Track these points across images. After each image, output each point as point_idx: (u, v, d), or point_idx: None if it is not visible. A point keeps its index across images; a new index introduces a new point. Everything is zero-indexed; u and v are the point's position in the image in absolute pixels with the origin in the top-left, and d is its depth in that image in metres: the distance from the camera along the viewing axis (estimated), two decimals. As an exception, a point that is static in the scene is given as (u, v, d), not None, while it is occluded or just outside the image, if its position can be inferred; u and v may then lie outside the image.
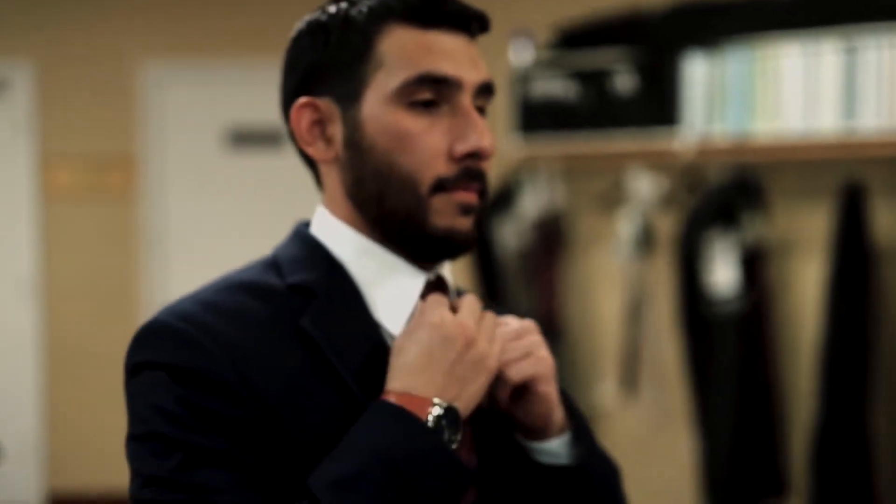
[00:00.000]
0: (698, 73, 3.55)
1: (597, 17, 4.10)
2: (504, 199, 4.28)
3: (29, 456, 5.81)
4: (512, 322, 1.26)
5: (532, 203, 4.22)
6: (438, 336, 1.16)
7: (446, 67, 1.19)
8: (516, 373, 1.22)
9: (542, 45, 4.26)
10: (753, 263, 3.46)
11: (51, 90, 5.85)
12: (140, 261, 5.91)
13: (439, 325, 1.17)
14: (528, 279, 4.24)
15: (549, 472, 1.26)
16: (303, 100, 1.23)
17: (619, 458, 1.42)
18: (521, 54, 4.24)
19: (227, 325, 1.16)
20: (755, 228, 3.46)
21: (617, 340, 3.97)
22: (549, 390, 1.23)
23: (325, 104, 1.23)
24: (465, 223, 1.21)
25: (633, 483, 1.42)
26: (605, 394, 4.08)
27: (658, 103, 3.73)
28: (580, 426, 1.30)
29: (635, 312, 3.92)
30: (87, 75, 5.86)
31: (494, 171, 3.53)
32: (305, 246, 1.26)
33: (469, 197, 1.21)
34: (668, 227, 3.81)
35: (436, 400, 1.13)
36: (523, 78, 4.21)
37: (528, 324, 1.26)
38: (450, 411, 1.13)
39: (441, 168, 1.19)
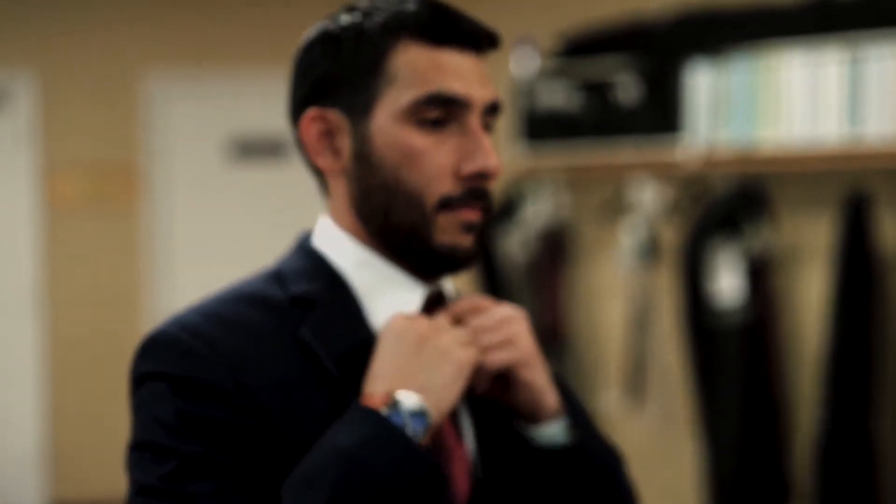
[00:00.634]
0: (702, 81, 3.54)
1: (600, 26, 4.09)
2: (508, 209, 4.28)
3: (33, 464, 5.81)
4: (495, 310, 1.27)
5: (536, 213, 4.22)
6: (392, 337, 1.19)
7: (456, 87, 1.20)
8: (494, 360, 1.24)
9: (545, 55, 4.25)
10: (758, 273, 3.45)
11: (54, 100, 5.85)
12: (143, 270, 5.91)
13: (391, 328, 1.20)
14: (532, 289, 4.23)
15: (546, 455, 1.27)
16: (312, 111, 1.24)
17: (624, 467, 1.41)
18: (524, 64, 4.24)
19: (229, 336, 1.18)
20: (759, 238, 3.45)
21: (621, 349, 3.96)
22: (533, 377, 1.26)
23: (335, 116, 1.23)
24: (466, 240, 1.23)
25: (638, 490, 1.42)
26: (609, 402, 4.07)
27: (662, 112, 3.72)
28: (577, 412, 1.32)
29: (640, 322, 3.92)
30: (90, 85, 5.86)
31: (498, 182, 3.53)
32: (308, 258, 1.27)
33: (472, 215, 1.23)
34: (672, 236, 3.80)
35: (395, 393, 1.15)
36: (527, 88, 4.20)
37: (512, 312, 1.28)
38: (410, 402, 1.14)
39: (447, 186, 1.21)
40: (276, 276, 1.26)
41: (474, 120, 1.22)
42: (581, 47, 4.12)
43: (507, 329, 1.26)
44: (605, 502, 1.30)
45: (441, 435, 1.22)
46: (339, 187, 1.26)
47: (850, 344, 3.16)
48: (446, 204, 1.21)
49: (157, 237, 5.92)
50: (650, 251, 3.87)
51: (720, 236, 3.49)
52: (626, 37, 3.94)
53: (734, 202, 3.50)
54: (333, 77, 1.23)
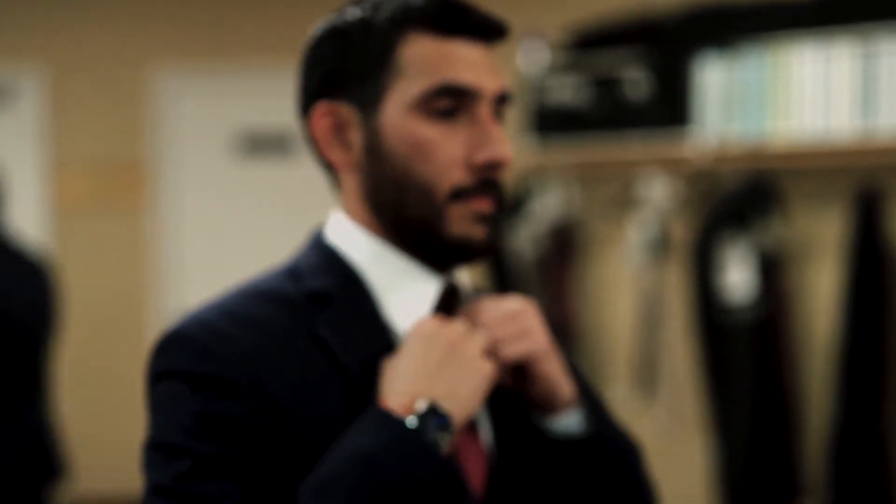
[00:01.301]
0: (712, 75, 3.53)
1: (609, 20, 4.08)
2: (517, 205, 4.27)
3: (40, 463, 5.80)
4: (508, 303, 1.28)
5: (545, 209, 4.21)
6: (421, 339, 1.18)
7: (466, 77, 1.21)
8: (509, 352, 1.25)
9: (554, 49, 4.24)
10: (769, 268, 3.44)
11: (61, 97, 5.85)
12: (151, 267, 5.91)
13: (421, 331, 1.19)
14: (541, 285, 4.22)
15: (562, 445, 1.28)
16: (322, 105, 1.24)
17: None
18: (532, 58, 4.23)
19: (245, 333, 1.18)
20: (770, 233, 3.44)
21: (631, 346, 3.95)
22: (548, 369, 1.26)
23: (345, 109, 1.24)
24: (480, 231, 1.23)
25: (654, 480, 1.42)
26: (619, 398, 4.06)
27: (672, 106, 3.71)
28: (593, 402, 1.33)
29: (650, 318, 3.91)
30: (98, 82, 5.87)
31: (507, 177, 3.53)
32: (322, 253, 1.27)
33: (484, 206, 1.22)
34: (682, 232, 3.79)
35: (419, 399, 1.14)
36: (535, 83, 4.19)
37: (526, 305, 1.29)
38: (435, 410, 1.14)
39: (458, 177, 1.21)
40: (291, 273, 1.26)
41: (484, 110, 1.22)
42: (590, 41, 4.11)
43: (521, 322, 1.26)
44: (621, 492, 1.30)
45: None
46: (351, 181, 1.26)
47: (862, 340, 3.16)
48: (458, 194, 1.21)
49: (166, 234, 5.92)
50: (660, 246, 3.86)
51: (730, 231, 3.47)
52: (635, 31, 3.93)
53: (744, 197, 3.49)
54: (342, 71, 1.23)
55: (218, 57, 5.86)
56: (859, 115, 3.14)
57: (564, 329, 4.14)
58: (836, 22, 3.23)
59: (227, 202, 5.93)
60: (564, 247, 4.16)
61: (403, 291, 1.24)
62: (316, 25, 1.28)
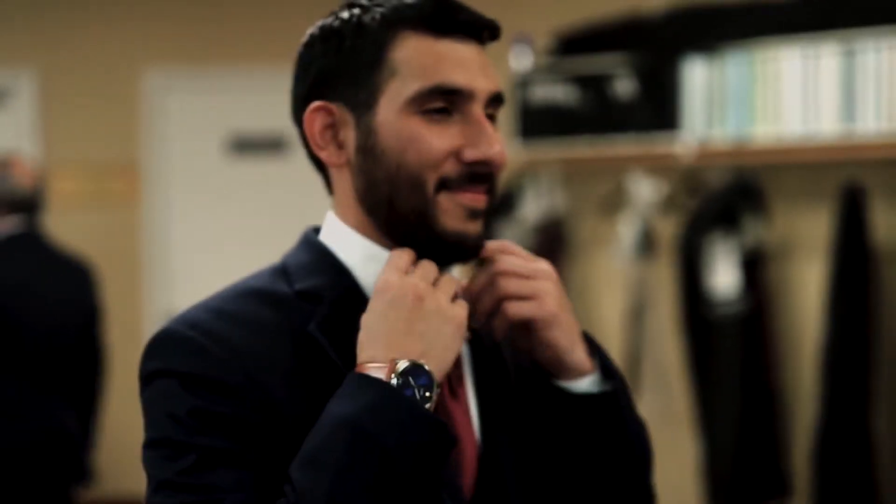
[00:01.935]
0: (698, 77, 3.57)
1: (596, 23, 4.11)
2: (505, 203, 4.29)
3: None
4: (529, 262, 1.26)
5: (533, 208, 4.24)
6: (386, 299, 1.16)
7: (459, 78, 1.20)
8: (514, 311, 1.24)
9: (542, 51, 4.27)
10: (754, 266, 3.47)
11: (54, 98, 5.87)
12: (144, 267, 5.93)
13: (384, 289, 1.17)
14: (530, 283, 4.23)
15: (576, 401, 1.26)
16: (316, 103, 1.24)
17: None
18: (521, 60, 4.26)
19: (236, 332, 1.18)
20: (756, 231, 3.47)
21: (619, 343, 3.98)
22: (555, 336, 1.24)
23: (338, 110, 1.24)
24: (474, 227, 1.22)
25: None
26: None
27: (658, 107, 3.74)
28: (612, 375, 1.31)
29: (637, 315, 3.94)
30: (91, 83, 5.88)
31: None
32: (313, 252, 1.27)
33: (475, 200, 1.22)
34: (668, 230, 3.82)
35: (399, 360, 1.13)
36: (524, 83, 4.22)
37: (545, 268, 1.27)
38: (415, 368, 1.13)
39: (447, 168, 1.20)
40: (282, 271, 1.26)
41: (478, 109, 1.22)
42: (577, 44, 4.14)
43: (535, 283, 1.25)
44: (622, 454, 1.29)
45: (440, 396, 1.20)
46: (344, 181, 1.26)
47: (847, 335, 3.16)
48: (445, 184, 1.20)
49: (158, 234, 5.94)
50: (647, 245, 3.89)
51: (717, 230, 3.51)
52: (622, 33, 3.96)
53: (730, 196, 3.52)
54: (335, 72, 1.23)
55: (210, 58, 5.88)
56: (842, 115, 3.17)
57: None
58: (819, 24, 3.27)
59: (219, 203, 5.94)
60: (552, 245, 4.17)
61: None
62: (309, 28, 1.28)
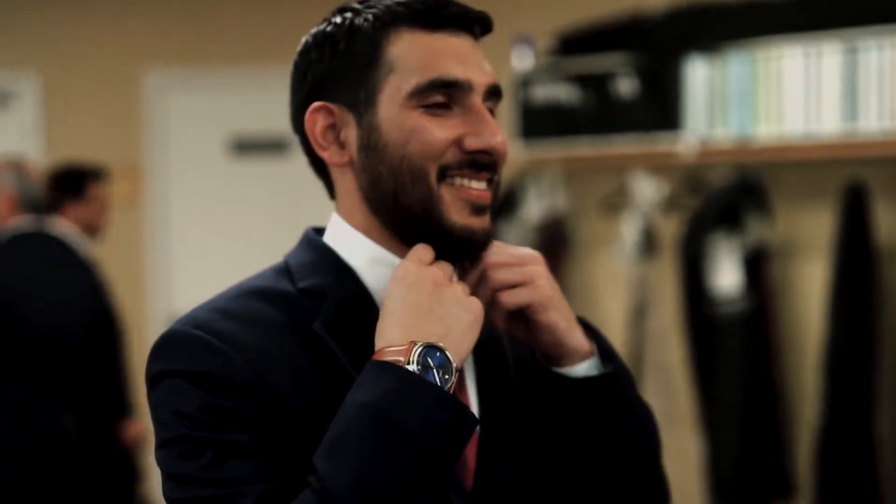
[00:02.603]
0: (699, 76, 3.57)
1: (597, 22, 4.11)
2: (507, 203, 4.29)
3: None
4: (514, 250, 1.27)
5: (535, 207, 4.24)
6: (405, 285, 1.17)
7: (456, 71, 1.21)
8: (510, 298, 1.24)
9: (543, 51, 4.27)
10: (757, 265, 3.47)
11: (57, 100, 5.88)
12: (146, 268, 5.94)
13: (403, 276, 1.18)
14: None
15: (578, 385, 1.26)
16: (317, 104, 1.25)
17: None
18: (522, 60, 4.26)
19: (241, 330, 1.18)
20: (758, 230, 3.47)
21: (621, 342, 3.98)
22: (551, 318, 1.25)
23: (338, 111, 1.24)
24: (480, 222, 1.23)
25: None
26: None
27: (659, 107, 3.74)
28: (611, 357, 1.30)
29: (639, 315, 3.93)
30: (93, 85, 5.89)
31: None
32: (315, 251, 1.28)
33: (478, 195, 1.23)
34: (671, 229, 3.82)
35: (417, 342, 1.13)
36: (525, 83, 4.22)
37: (532, 253, 1.28)
38: (433, 350, 1.13)
39: (448, 157, 1.21)
40: (285, 270, 1.27)
41: (477, 100, 1.23)
42: (578, 43, 4.14)
43: (525, 269, 1.25)
44: (629, 438, 1.29)
45: None
46: (347, 182, 1.26)
47: (850, 334, 3.16)
48: (446, 171, 1.21)
49: (161, 235, 5.94)
50: (649, 244, 3.89)
51: (719, 229, 3.51)
52: (623, 32, 3.96)
53: (732, 195, 3.52)
54: (332, 74, 1.24)
55: (212, 60, 5.89)
56: (844, 114, 3.17)
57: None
58: (821, 23, 3.27)
59: (221, 204, 5.95)
60: (554, 245, 4.18)
61: None
62: (305, 34, 1.29)
